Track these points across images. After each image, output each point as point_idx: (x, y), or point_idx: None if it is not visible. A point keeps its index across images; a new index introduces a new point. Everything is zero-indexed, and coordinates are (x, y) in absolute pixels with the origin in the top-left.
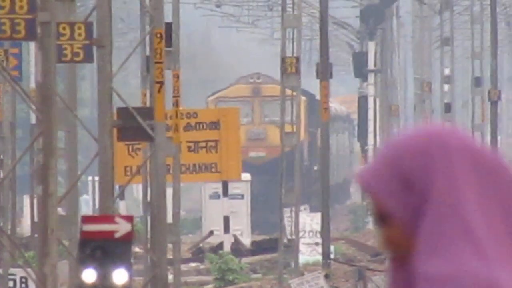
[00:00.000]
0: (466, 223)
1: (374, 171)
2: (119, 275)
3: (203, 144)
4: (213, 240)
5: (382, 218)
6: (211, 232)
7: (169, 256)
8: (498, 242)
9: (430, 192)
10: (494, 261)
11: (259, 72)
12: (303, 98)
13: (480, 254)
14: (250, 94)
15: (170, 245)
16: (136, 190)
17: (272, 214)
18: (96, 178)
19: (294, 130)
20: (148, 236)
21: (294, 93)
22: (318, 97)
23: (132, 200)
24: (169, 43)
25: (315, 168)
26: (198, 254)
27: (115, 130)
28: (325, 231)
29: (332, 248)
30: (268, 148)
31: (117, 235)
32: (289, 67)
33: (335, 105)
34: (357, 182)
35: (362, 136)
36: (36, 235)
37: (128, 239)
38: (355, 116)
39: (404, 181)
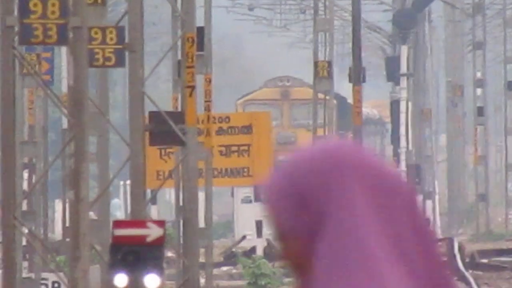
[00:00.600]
0: (361, 248)
1: (273, 185)
2: (151, 279)
3: (235, 148)
4: (246, 244)
5: (280, 234)
6: (244, 237)
7: (201, 260)
8: (393, 266)
9: (326, 213)
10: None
11: (288, 75)
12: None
13: (376, 281)
14: (279, 97)
15: (202, 249)
16: (169, 194)
17: None
18: (128, 182)
19: (326, 133)
20: (181, 240)
21: (327, 97)
22: (349, 100)
23: (165, 204)
24: (200, 47)
25: None
26: (230, 258)
27: (147, 134)
28: None
29: None
30: None
31: (148, 239)
32: (321, 71)
33: (367, 109)
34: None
35: (396, 140)
36: (67, 240)
37: (159, 243)
38: (387, 120)
39: (300, 200)
